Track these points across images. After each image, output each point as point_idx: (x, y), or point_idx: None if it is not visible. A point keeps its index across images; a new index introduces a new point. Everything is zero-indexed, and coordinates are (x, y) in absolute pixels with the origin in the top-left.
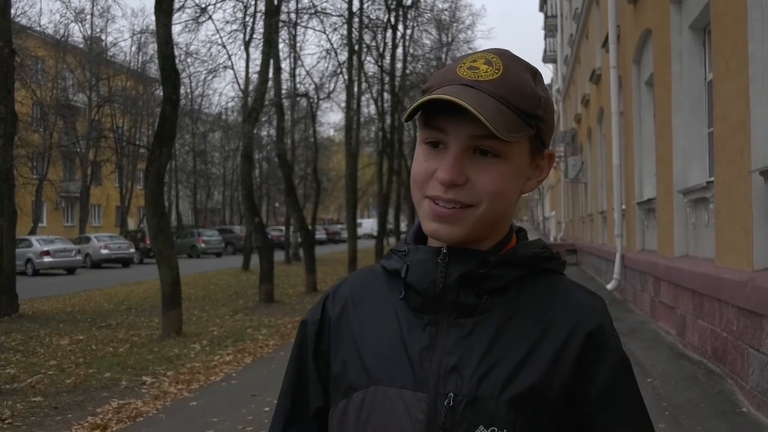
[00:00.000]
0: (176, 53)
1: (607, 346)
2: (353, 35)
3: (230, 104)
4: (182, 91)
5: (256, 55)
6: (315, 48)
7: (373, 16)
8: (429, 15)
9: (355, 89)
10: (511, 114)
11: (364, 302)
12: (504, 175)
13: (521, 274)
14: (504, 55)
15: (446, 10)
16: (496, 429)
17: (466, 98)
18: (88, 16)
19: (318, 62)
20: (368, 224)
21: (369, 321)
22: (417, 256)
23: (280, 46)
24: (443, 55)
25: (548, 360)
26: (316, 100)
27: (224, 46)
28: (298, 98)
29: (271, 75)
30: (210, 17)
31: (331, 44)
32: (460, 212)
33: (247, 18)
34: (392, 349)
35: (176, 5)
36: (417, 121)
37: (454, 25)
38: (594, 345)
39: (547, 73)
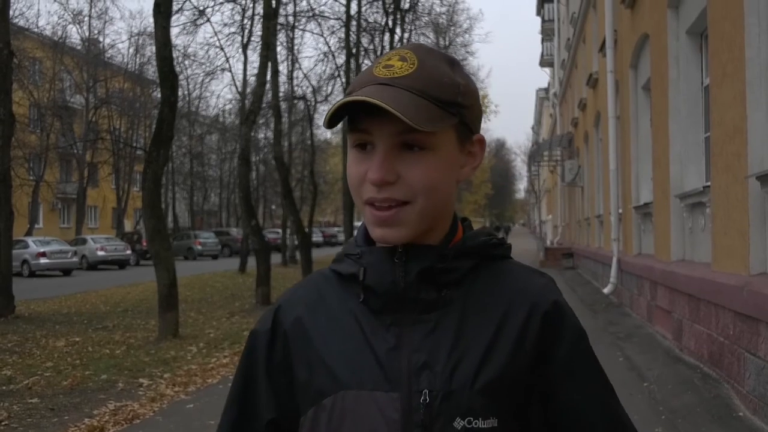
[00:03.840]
0: (174, 55)
1: (563, 322)
2: (351, 38)
3: (228, 106)
4: (180, 93)
5: (254, 57)
6: (313, 51)
7: (370, 20)
8: (427, 19)
9: None
10: (429, 105)
11: (320, 309)
12: (434, 167)
13: (474, 264)
14: (418, 49)
15: (444, 13)
16: (472, 418)
17: (382, 96)
18: (86, 18)
19: (315, 65)
20: None
21: (329, 327)
22: (372, 258)
23: (278, 48)
24: None
25: (511, 344)
26: (313, 103)
27: (222, 49)
28: (296, 101)
29: (268, 78)
30: (208, 20)
31: (329, 47)
32: (399, 212)
33: (245, 21)
34: (358, 353)
35: (175, 8)
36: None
37: (452, 28)
38: (551, 324)
39: (543, 77)
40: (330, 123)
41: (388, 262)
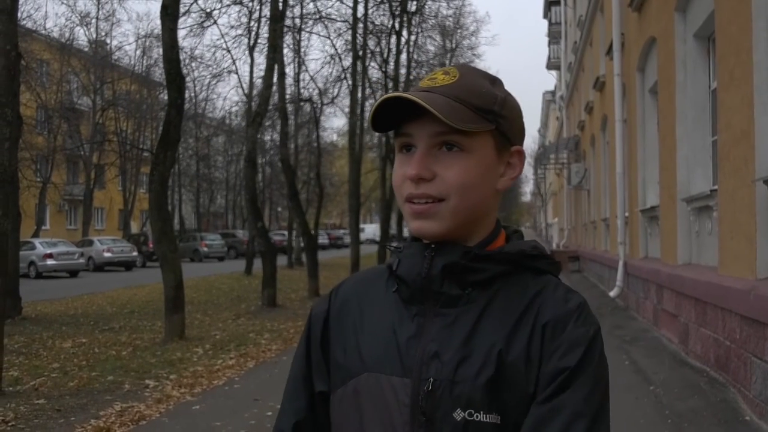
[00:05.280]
0: (181, 57)
1: (562, 335)
2: (357, 41)
3: (234, 108)
4: (186, 95)
5: (261, 59)
6: (319, 53)
7: (377, 22)
8: (433, 21)
9: (359, 95)
10: (464, 109)
11: (366, 296)
12: (469, 167)
13: (505, 270)
14: (462, 66)
15: (450, 16)
16: (473, 411)
17: (418, 97)
18: (94, 20)
19: (322, 67)
20: (371, 229)
21: (368, 313)
22: (408, 251)
23: (285, 51)
24: (447, 61)
25: (519, 349)
26: (319, 105)
27: (229, 51)
28: (302, 103)
29: (275, 80)
30: (215, 22)
31: (336, 49)
32: (434, 206)
33: (252, 23)
34: (384, 339)
35: (182, 10)
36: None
37: (458, 31)
38: (550, 335)
39: (550, 80)
40: (375, 126)
41: (419, 255)
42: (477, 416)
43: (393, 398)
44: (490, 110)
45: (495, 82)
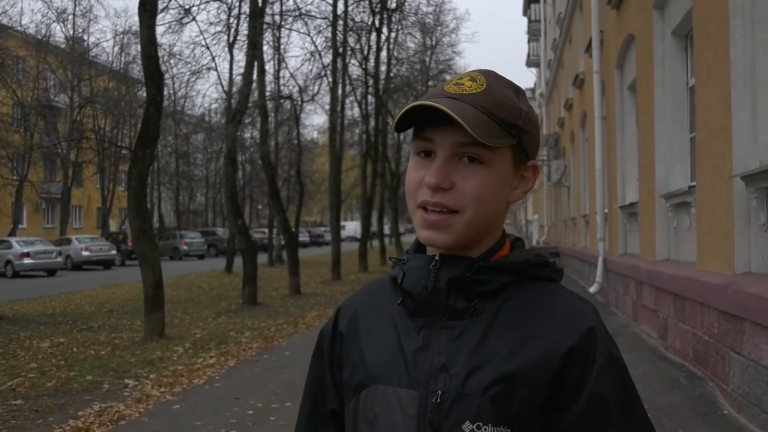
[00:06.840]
0: (160, 54)
1: (592, 356)
2: (337, 38)
3: (213, 106)
4: (165, 92)
5: (240, 56)
6: (299, 50)
7: (357, 19)
8: (413, 18)
9: (339, 92)
10: (491, 122)
11: (371, 309)
12: (488, 180)
13: (512, 280)
14: (488, 74)
15: (430, 13)
16: (481, 424)
17: (449, 106)
18: (70, 16)
19: (302, 65)
20: (351, 227)
21: (374, 326)
22: (413, 264)
23: (264, 48)
24: (427, 58)
25: (529, 363)
26: (300, 103)
27: (208, 48)
28: (282, 100)
29: (255, 77)
30: (194, 18)
31: (316, 47)
32: (448, 218)
33: (231, 20)
34: (390, 351)
35: (160, 6)
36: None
37: (438, 28)
38: (578, 358)
39: (530, 77)
40: (398, 127)
41: (424, 268)
42: (486, 429)
43: (399, 410)
44: (514, 125)
45: (519, 93)
